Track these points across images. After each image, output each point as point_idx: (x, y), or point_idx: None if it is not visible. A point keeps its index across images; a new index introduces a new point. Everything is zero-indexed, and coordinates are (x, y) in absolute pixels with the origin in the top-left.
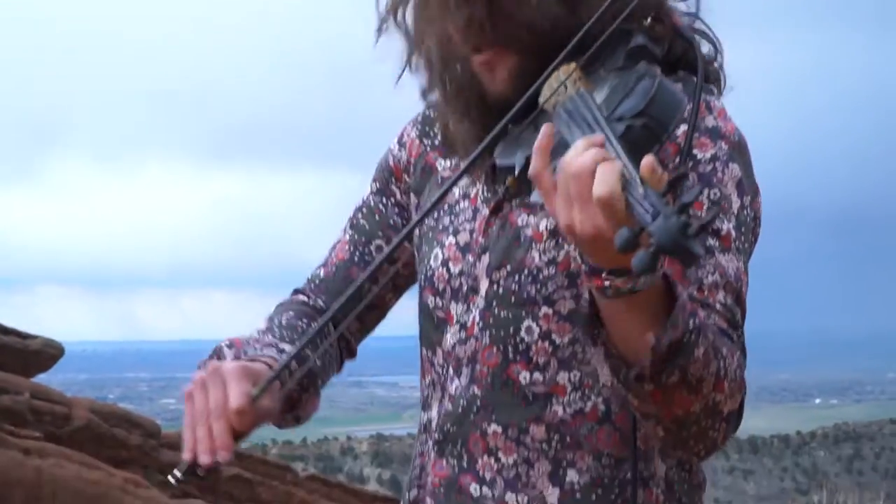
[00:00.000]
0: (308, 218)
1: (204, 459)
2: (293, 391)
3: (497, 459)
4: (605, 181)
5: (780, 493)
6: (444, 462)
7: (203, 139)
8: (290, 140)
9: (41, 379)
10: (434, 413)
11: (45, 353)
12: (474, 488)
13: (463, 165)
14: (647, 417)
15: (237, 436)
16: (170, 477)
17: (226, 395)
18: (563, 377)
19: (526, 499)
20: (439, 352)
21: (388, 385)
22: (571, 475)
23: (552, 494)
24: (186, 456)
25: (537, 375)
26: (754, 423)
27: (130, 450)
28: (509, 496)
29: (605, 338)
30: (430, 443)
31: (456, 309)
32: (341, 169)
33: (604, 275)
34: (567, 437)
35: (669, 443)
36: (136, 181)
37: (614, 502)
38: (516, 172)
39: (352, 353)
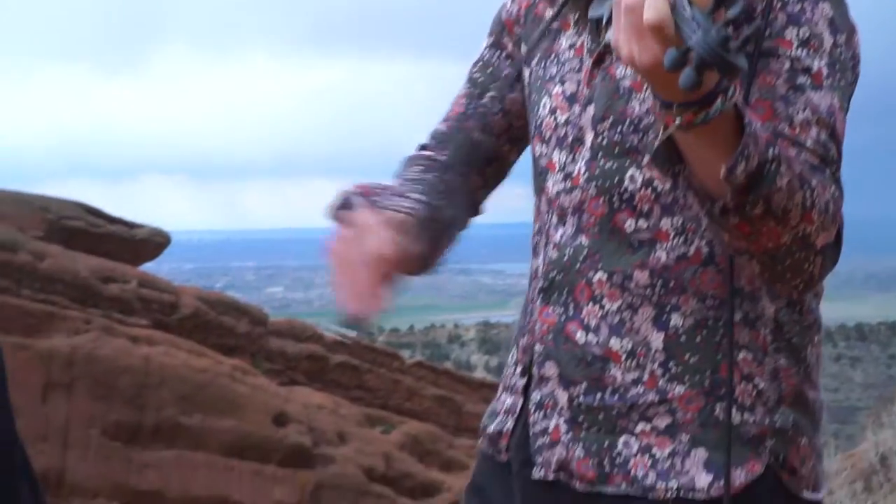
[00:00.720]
0: (409, 106)
1: (360, 311)
2: (429, 240)
3: (602, 307)
4: (653, 6)
5: (886, 380)
6: (551, 309)
7: (306, 27)
8: (391, 28)
9: (148, 268)
10: (540, 260)
11: (152, 242)
12: (580, 335)
13: (555, 11)
14: (741, 252)
15: (387, 284)
16: (335, 333)
17: (371, 243)
18: (666, 223)
19: (630, 344)
20: (543, 199)
21: (494, 272)
22: (675, 319)
23: (656, 339)
24: (343, 310)
25: (642, 222)
26: (861, 310)
27: (238, 337)
28: (614, 342)
29: (687, 174)
30: (536, 290)
31: (559, 157)
32: (441, 57)
33: (674, 108)
34: (671, 282)
35: (766, 277)
36: (240, 70)
37: (718, 343)
38: (604, 22)
39: (476, 210)
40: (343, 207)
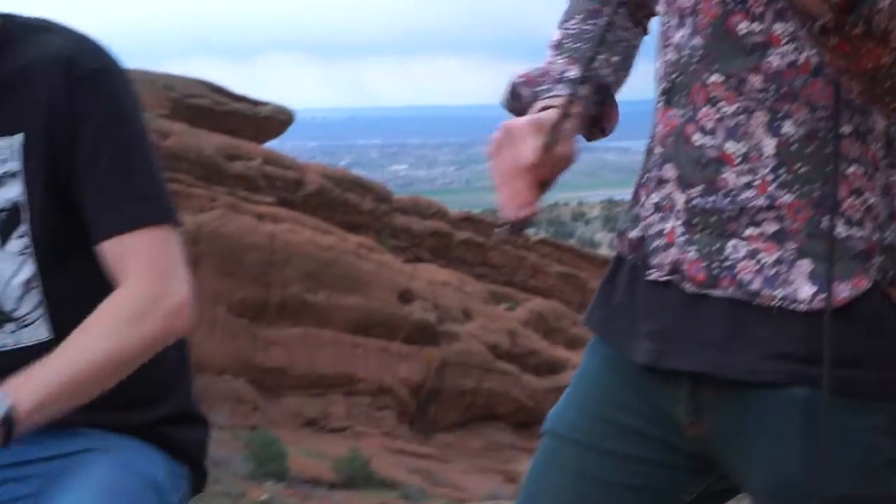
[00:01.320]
0: None
1: (512, 216)
2: (592, 109)
3: (718, 109)
4: None
5: None
6: (672, 111)
7: None
8: None
9: (272, 146)
10: (660, 63)
11: (276, 120)
12: (697, 137)
13: None
14: (841, 72)
15: (544, 185)
16: (495, 235)
17: (523, 152)
18: (778, 27)
19: (744, 148)
20: (662, 2)
21: (619, 150)
22: (787, 126)
23: (769, 145)
24: (502, 214)
25: (755, 25)
26: None
27: (363, 214)
28: (729, 144)
29: None
30: (658, 92)
31: None
32: None
33: None
34: (783, 88)
35: (867, 97)
36: None
37: (829, 156)
38: None
39: (646, 32)
40: (513, 98)
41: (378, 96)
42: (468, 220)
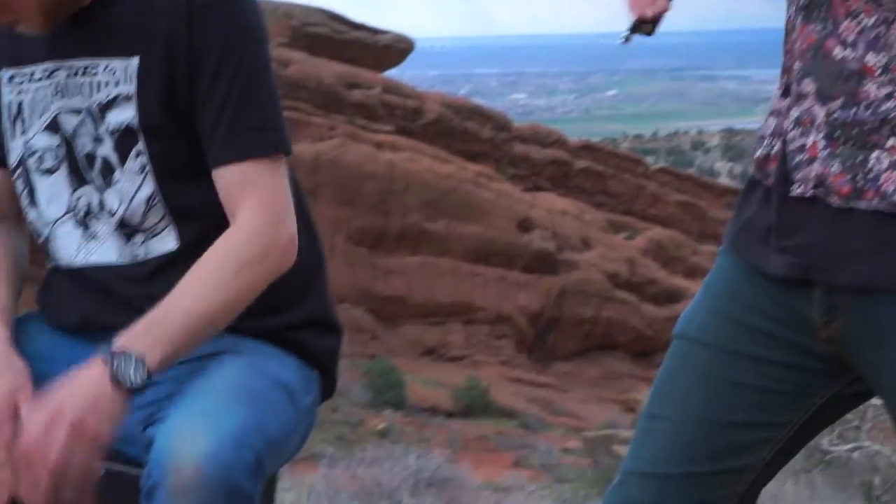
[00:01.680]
0: None
1: (638, 13)
2: None
3: (859, 22)
4: None
5: None
6: (811, 27)
7: None
8: None
9: (391, 74)
10: None
11: (395, 48)
12: (838, 50)
13: None
14: None
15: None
16: (620, 39)
17: None
18: None
19: (885, 59)
20: None
21: (739, 79)
22: None
23: None
24: (632, 14)
25: None
26: None
27: (482, 143)
28: (870, 56)
29: None
30: (796, 8)
31: None
32: None
33: None
34: None
35: None
36: None
37: None
38: None
39: None
40: None
41: (497, 25)
42: (587, 149)
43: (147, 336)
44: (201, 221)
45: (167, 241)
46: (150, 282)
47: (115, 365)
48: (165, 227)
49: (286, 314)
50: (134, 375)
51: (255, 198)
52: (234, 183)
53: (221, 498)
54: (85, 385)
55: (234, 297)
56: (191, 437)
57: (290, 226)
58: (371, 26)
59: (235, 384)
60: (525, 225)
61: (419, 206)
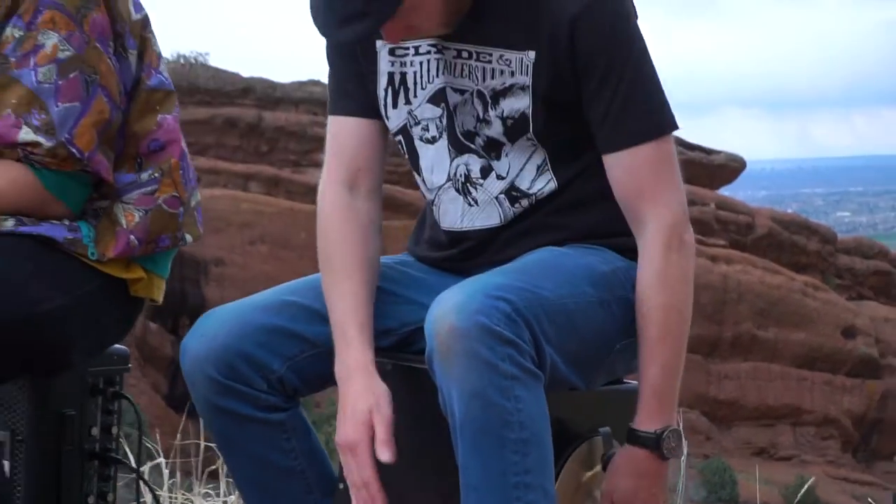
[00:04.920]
0: None
1: None
2: None
3: None
4: None
5: None
6: None
7: None
8: None
9: (724, 192)
10: None
11: (728, 167)
12: None
13: None
14: None
15: None
16: None
17: None
18: None
19: None
20: None
21: None
22: None
23: None
24: None
25: None
26: None
27: (809, 255)
28: None
29: None
30: None
31: None
32: None
33: None
34: None
35: None
36: (810, 6)
37: None
38: None
39: None
40: None
41: (823, 146)
42: None
43: (662, 413)
44: (583, 186)
45: (549, 198)
46: (529, 235)
47: (664, 449)
48: (548, 187)
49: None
50: (678, 448)
51: (651, 179)
52: (629, 166)
53: (477, 339)
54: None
55: (678, 339)
56: (446, 300)
57: (682, 202)
58: (706, 147)
59: (516, 264)
60: (849, 332)
61: (751, 315)
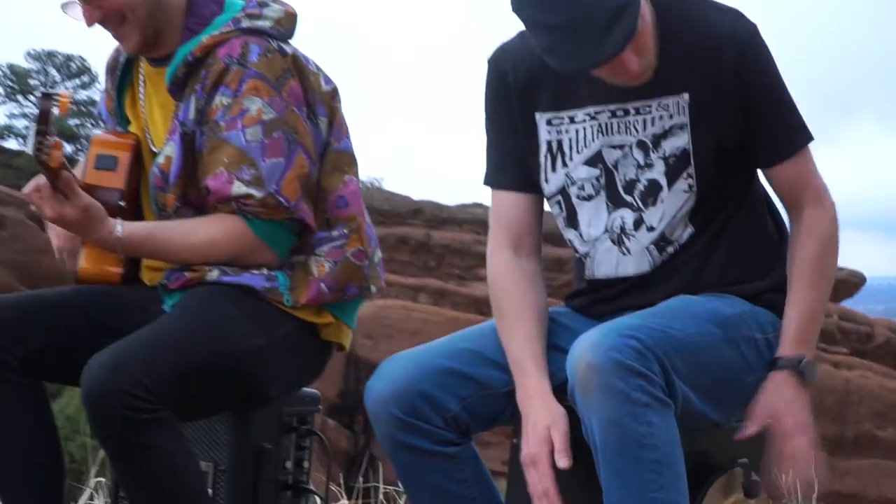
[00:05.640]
0: None
1: None
2: None
3: None
4: None
5: None
6: None
7: None
8: None
9: (846, 305)
10: None
11: (849, 282)
12: None
13: None
14: None
15: None
16: None
17: None
18: None
19: None
20: None
21: None
22: None
23: None
24: None
25: None
26: None
27: None
28: None
29: None
30: None
31: None
32: None
33: None
34: None
35: None
36: None
37: None
38: None
39: None
40: None
41: None
42: None
43: (803, 345)
44: (716, 220)
45: (690, 252)
46: (670, 278)
47: (804, 373)
48: (687, 238)
49: (766, 279)
50: (814, 374)
51: (809, 184)
52: (789, 175)
53: (611, 373)
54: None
55: (827, 285)
56: (584, 340)
57: (829, 196)
58: None
59: (648, 309)
60: None
61: (870, 416)
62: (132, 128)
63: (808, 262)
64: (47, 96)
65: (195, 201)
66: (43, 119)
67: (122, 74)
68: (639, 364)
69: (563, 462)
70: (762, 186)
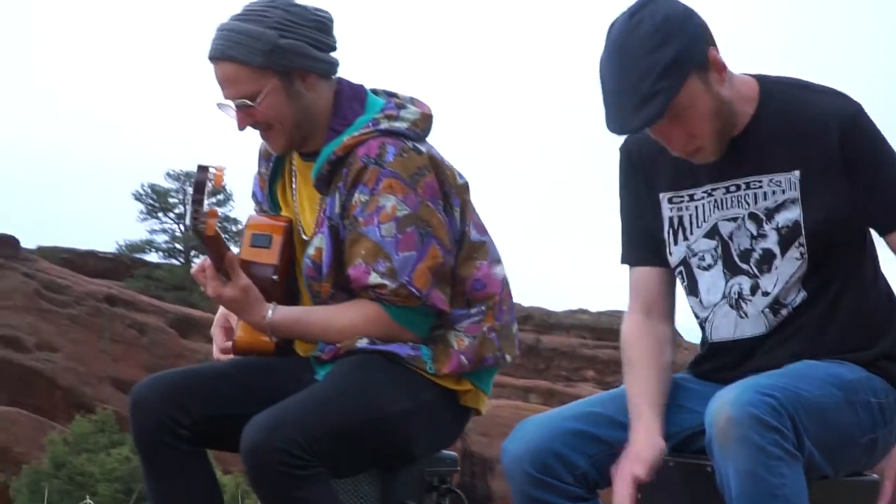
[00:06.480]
0: None
1: None
2: None
3: None
4: None
5: None
6: None
7: None
8: None
9: None
10: None
11: None
12: None
13: None
14: None
15: None
16: None
17: None
18: None
19: None
20: None
21: None
22: None
23: None
24: None
25: None
26: None
27: None
28: None
29: None
30: None
31: None
32: None
33: None
34: None
35: None
36: None
37: None
38: None
39: None
40: None
41: None
42: None
43: None
44: (829, 286)
45: (803, 318)
46: (788, 342)
47: None
48: (800, 302)
49: (873, 347)
50: None
51: None
52: None
53: (748, 427)
54: None
55: None
56: (723, 396)
57: None
58: None
59: (778, 371)
60: None
61: None
62: (283, 213)
63: None
64: (203, 168)
65: (347, 286)
66: (199, 189)
67: (276, 164)
68: (773, 420)
69: (640, 470)
70: (872, 257)
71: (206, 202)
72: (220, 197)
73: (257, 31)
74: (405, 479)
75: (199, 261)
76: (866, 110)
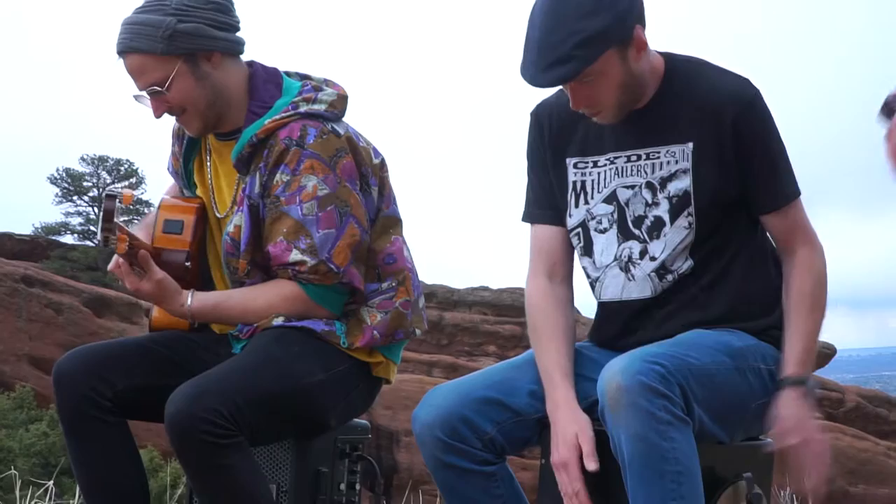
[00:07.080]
0: None
1: None
2: None
3: None
4: None
5: None
6: None
7: None
8: None
9: (819, 373)
10: None
11: (822, 354)
12: None
13: None
14: None
15: None
16: None
17: None
18: None
19: None
20: None
21: None
22: None
23: None
24: None
25: None
26: None
27: (890, 424)
28: None
29: None
30: None
31: None
32: None
33: None
34: None
35: None
36: (879, 224)
37: None
38: None
39: None
40: None
41: None
42: None
43: (807, 365)
44: (718, 260)
45: (688, 279)
46: (679, 312)
47: (810, 392)
48: (687, 269)
49: (766, 318)
50: (816, 391)
51: (801, 231)
52: (784, 222)
53: (638, 394)
54: (804, 408)
55: (821, 315)
56: (613, 365)
57: (818, 239)
58: None
59: (668, 340)
60: None
61: (843, 475)
62: (198, 191)
63: (804, 295)
64: (111, 196)
65: (263, 263)
66: (108, 217)
67: (189, 143)
68: (662, 386)
69: (592, 465)
70: (769, 240)
71: (116, 224)
72: (128, 218)
73: (157, 20)
74: (319, 446)
75: (115, 258)
76: (765, 98)
